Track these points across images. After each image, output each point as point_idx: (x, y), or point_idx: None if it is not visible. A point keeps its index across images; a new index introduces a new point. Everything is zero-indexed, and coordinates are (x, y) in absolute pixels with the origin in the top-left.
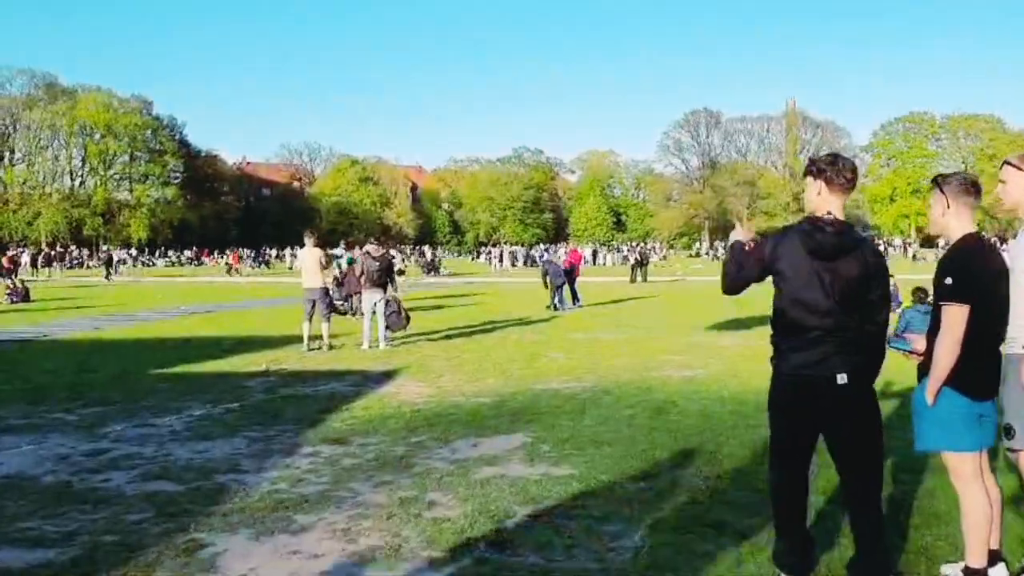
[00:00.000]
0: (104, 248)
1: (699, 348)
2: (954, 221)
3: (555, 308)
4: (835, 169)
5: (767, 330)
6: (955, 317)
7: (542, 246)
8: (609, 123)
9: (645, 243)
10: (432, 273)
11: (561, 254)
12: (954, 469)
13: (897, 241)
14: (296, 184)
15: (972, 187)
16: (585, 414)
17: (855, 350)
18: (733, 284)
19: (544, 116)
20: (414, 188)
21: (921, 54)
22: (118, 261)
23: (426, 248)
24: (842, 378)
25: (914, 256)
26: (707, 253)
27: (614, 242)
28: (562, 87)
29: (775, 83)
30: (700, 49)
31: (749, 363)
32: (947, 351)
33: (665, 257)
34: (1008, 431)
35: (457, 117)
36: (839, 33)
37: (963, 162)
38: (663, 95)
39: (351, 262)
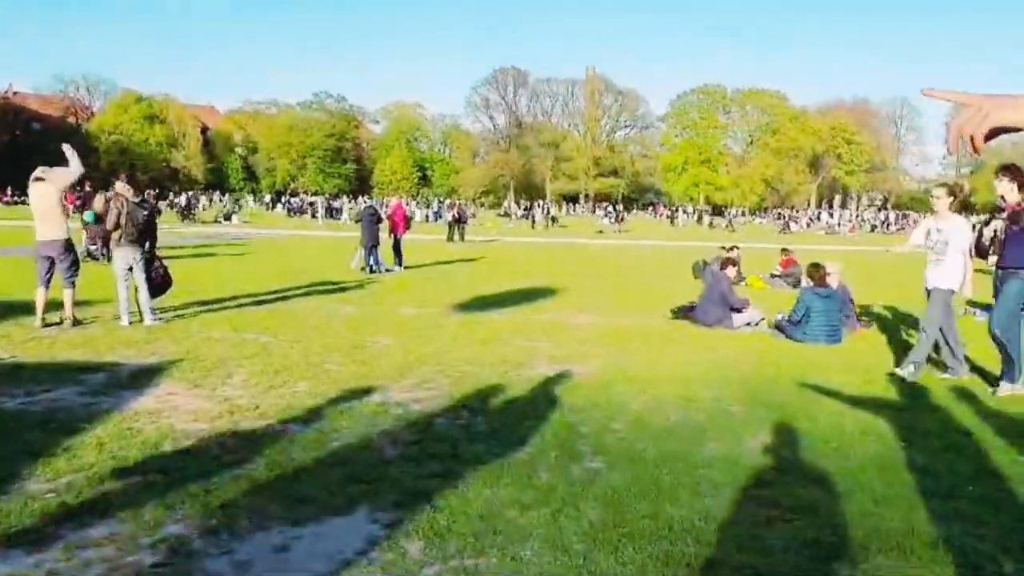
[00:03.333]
0: None
1: (558, 329)
2: None
3: (370, 270)
4: None
5: (623, 303)
6: None
7: (364, 198)
8: (416, 75)
9: (460, 200)
10: (225, 220)
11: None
12: None
13: (689, 208)
14: (72, 119)
15: None
16: (458, 463)
17: None
18: None
19: (348, 62)
20: (205, 130)
21: (715, 27)
22: None
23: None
24: None
25: (710, 224)
26: (515, 213)
27: (421, 197)
28: (367, 32)
29: (582, 48)
30: (511, 7)
31: (631, 352)
32: None
33: (474, 215)
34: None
35: (254, 56)
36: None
37: (750, 135)
38: (473, 51)
39: (94, 220)
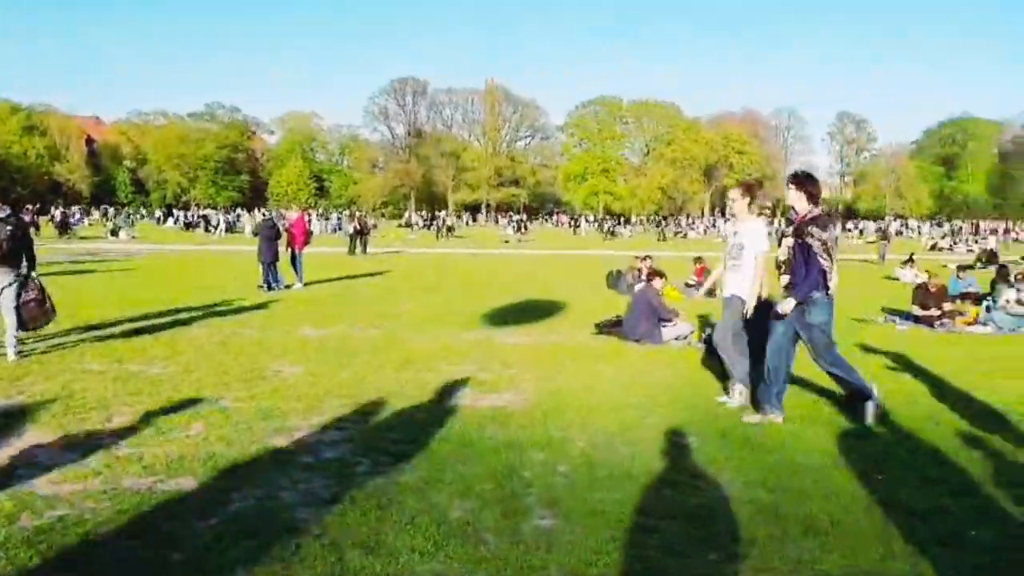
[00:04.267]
0: None
1: (485, 351)
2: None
3: (269, 287)
4: None
5: (545, 318)
6: None
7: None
8: (312, 85)
9: (361, 211)
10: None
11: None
12: None
13: (591, 217)
14: None
15: None
16: (387, 527)
17: None
18: None
19: (240, 72)
20: (91, 142)
21: (616, 41)
22: None
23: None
24: None
25: (610, 232)
26: (417, 223)
27: (320, 208)
28: (261, 42)
29: (482, 59)
30: (408, 17)
31: (564, 375)
32: None
33: (375, 226)
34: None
35: (141, 66)
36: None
37: (646, 145)
38: (370, 60)
39: None
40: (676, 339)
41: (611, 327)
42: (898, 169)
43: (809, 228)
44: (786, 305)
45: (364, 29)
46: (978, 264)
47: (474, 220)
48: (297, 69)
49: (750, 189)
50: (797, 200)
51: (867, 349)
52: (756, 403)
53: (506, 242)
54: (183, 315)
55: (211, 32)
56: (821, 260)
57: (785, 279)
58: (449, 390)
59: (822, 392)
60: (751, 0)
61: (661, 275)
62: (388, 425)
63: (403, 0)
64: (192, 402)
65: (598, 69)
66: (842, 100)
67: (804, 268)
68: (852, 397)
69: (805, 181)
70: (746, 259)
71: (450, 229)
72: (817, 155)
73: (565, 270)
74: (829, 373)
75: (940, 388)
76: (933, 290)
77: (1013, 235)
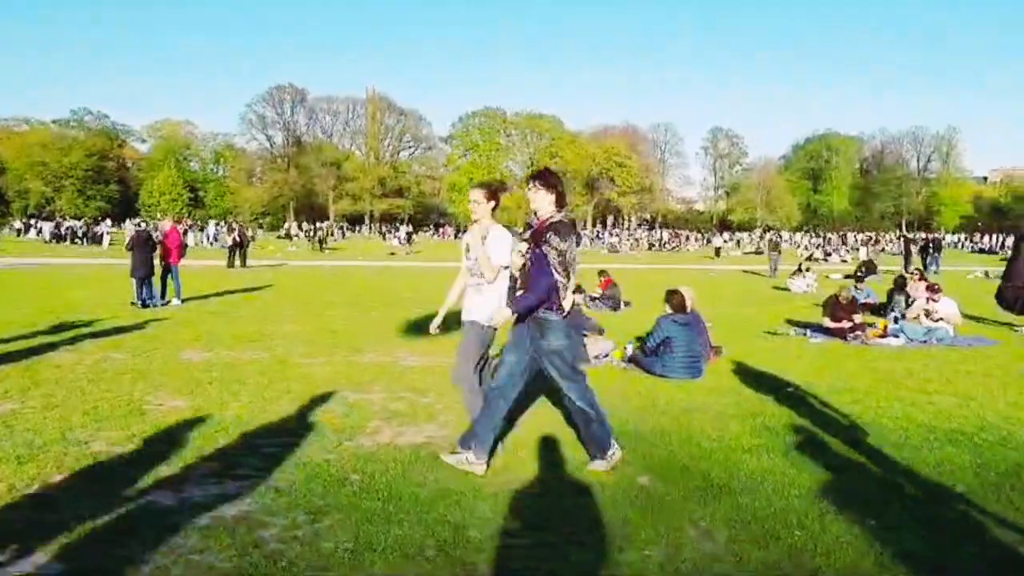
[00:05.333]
0: None
1: (390, 375)
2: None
3: (143, 304)
4: None
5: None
6: None
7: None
8: (186, 92)
9: (240, 222)
10: None
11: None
12: None
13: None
14: None
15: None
16: None
17: None
18: None
19: (109, 78)
20: None
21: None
22: None
23: None
24: None
25: None
26: (297, 234)
27: (195, 219)
28: (130, 47)
29: (363, 67)
30: (287, 23)
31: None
32: None
33: (254, 237)
34: None
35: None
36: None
37: (530, 158)
38: (247, 67)
39: None
40: (596, 358)
41: None
42: (768, 182)
43: (548, 235)
44: (499, 315)
45: (241, 36)
46: (858, 274)
47: (355, 231)
48: (170, 75)
49: (494, 192)
50: (543, 202)
51: (787, 363)
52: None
53: (392, 254)
54: (45, 338)
55: (78, 36)
56: (555, 273)
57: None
58: (360, 425)
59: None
60: (629, 16)
61: (579, 290)
62: (297, 472)
63: (282, 7)
64: (53, 445)
65: (482, 81)
66: (715, 116)
67: (535, 280)
68: (589, 444)
69: (553, 180)
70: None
71: (322, 243)
72: (692, 168)
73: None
74: (576, 410)
75: (876, 405)
76: (844, 302)
77: (880, 246)
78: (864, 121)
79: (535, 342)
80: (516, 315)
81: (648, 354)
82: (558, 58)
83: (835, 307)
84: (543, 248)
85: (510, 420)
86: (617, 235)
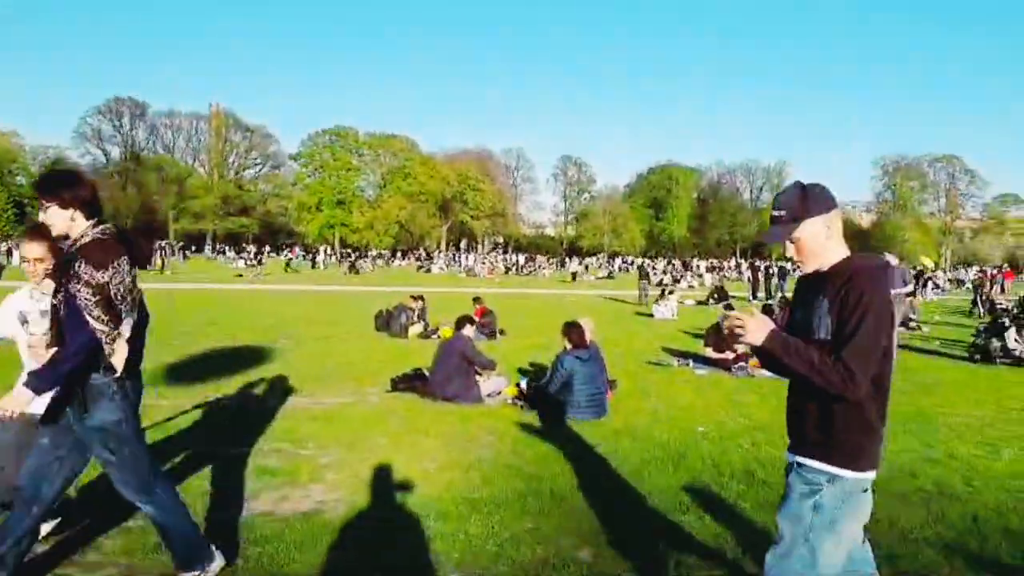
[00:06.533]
0: None
1: (259, 420)
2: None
3: None
4: None
5: (324, 370)
6: None
7: None
8: (11, 101)
9: None
10: None
11: None
12: None
13: (328, 249)
14: None
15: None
16: None
17: None
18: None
19: None
20: None
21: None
22: None
23: None
24: None
25: (352, 267)
26: None
27: (18, 238)
28: None
29: (209, 83)
30: (123, 34)
31: (380, 454)
32: None
33: None
34: None
35: None
36: (277, 37)
37: (382, 177)
38: (82, 77)
39: None
40: (490, 395)
41: (410, 383)
42: (614, 210)
43: (76, 266)
44: (12, 401)
45: (77, 45)
46: (711, 300)
47: (199, 251)
48: None
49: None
50: (60, 221)
51: (685, 398)
52: None
53: (239, 276)
54: None
55: None
56: (94, 320)
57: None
58: (232, 487)
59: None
60: (483, 39)
61: (471, 321)
62: (160, 561)
63: (121, 17)
64: None
65: (333, 99)
66: (565, 144)
67: (68, 337)
68: (178, 556)
69: (69, 189)
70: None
71: (163, 262)
72: (543, 194)
73: (317, 309)
74: (148, 515)
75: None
76: (727, 331)
77: (723, 273)
78: (703, 153)
79: (77, 417)
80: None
81: (550, 396)
82: (412, 78)
83: (718, 337)
84: (72, 287)
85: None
86: (475, 259)
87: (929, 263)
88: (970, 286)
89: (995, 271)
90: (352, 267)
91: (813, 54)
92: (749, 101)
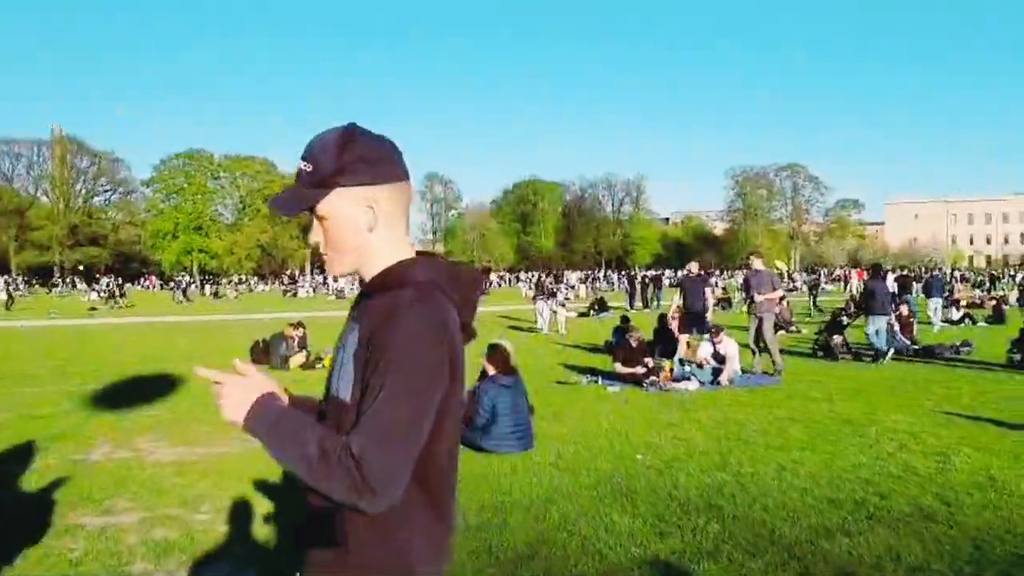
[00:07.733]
0: None
1: (126, 476)
2: None
3: None
4: None
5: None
6: None
7: None
8: None
9: None
10: None
11: None
12: None
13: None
14: None
15: None
16: None
17: None
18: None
19: None
20: None
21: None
22: None
23: None
24: None
25: (215, 293)
26: None
27: None
28: None
29: (52, 109)
30: None
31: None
32: None
33: None
34: None
35: None
36: (123, 60)
37: (241, 200)
38: None
39: None
40: None
41: None
42: (481, 225)
43: None
44: None
45: None
46: (592, 312)
47: (43, 285)
48: None
49: None
50: None
51: (609, 420)
52: None
53: (94, 309)
54: None
55: None
56: None
57: None
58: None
59: None
60: (341, 57)
61: None
62: None
63: None
64: None
65: (186, 123)
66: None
67: None
68: None
69: None
70: None
71: (9, 297)
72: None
73: (187, 342)
74: None
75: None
76: (635, 344)
77: (595, 283)
78: (566, 168)
79: None
80: None
81: (475, 428)
82: (268, 98)
83: (627, 351)
84: None
85: None
86: (345, 281)
87: (782, 267)
88: (805, 288)
89: (849, 271)
90: (216, 294)
91: (667, 71)
92: (608, 116)
